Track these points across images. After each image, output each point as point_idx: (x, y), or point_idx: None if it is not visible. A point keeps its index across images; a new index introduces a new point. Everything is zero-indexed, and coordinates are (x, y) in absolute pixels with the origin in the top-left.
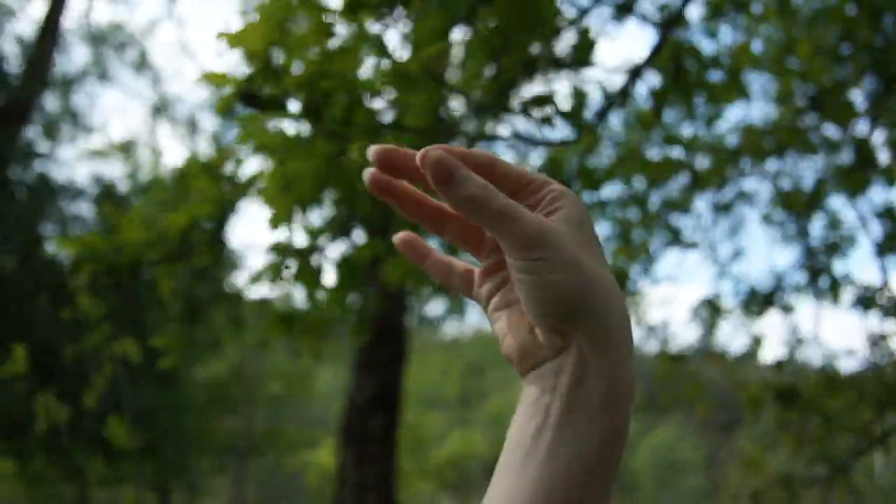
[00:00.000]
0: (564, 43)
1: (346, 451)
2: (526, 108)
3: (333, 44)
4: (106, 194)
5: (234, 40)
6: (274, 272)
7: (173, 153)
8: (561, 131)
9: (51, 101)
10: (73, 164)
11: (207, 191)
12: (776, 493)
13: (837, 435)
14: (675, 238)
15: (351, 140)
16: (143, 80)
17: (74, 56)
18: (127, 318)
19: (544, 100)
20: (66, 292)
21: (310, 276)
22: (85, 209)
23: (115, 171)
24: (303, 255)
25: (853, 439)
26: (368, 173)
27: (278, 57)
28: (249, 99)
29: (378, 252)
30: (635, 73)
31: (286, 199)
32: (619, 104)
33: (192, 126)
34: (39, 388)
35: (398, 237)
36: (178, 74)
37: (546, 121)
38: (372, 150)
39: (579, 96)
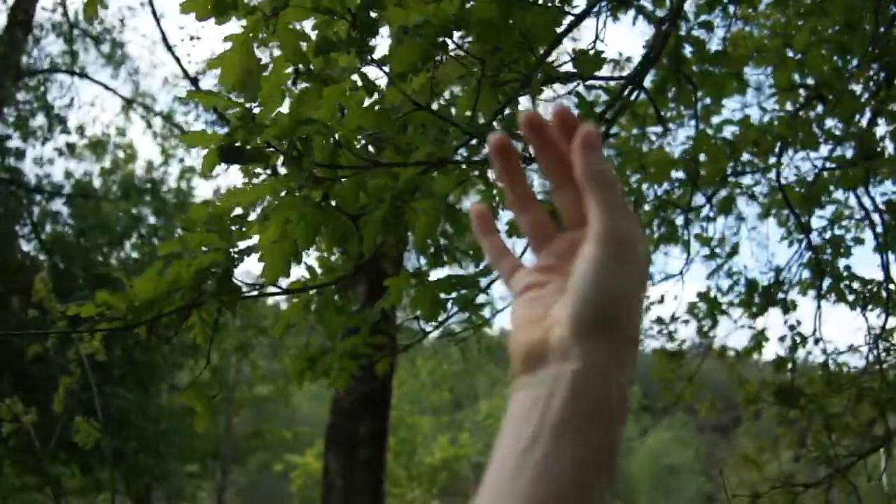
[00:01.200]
0: (564, 54)
1: (334, 456)
2: (510, 129)
3: (309, 84)
4: (81, 193)
5: (209, 98)
6: (296, 313)
7: (149, 149)
8: None
9: (23, 96)
10: (47, 160)
11: (215, 241)
12: (776, 495)
13: (838, 435)
14: (673, 235)
15: (337, 182)
16: (119, 73)
17: (47, 49)
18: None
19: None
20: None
21: (331, 314)
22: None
23: (90, 167)
24: (321, 291)
25: (854, 440)
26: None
27: (256, 109)
28: (231, 155)
29: (408, 286)
30: (636, 81)
31: (280, 252)
32: (618, 113)
33: (168, 121)
34: (8, 393)
35: (475, 207)
36: (156, 68)
37: None
38: (524, 116)
39: (585, 105)
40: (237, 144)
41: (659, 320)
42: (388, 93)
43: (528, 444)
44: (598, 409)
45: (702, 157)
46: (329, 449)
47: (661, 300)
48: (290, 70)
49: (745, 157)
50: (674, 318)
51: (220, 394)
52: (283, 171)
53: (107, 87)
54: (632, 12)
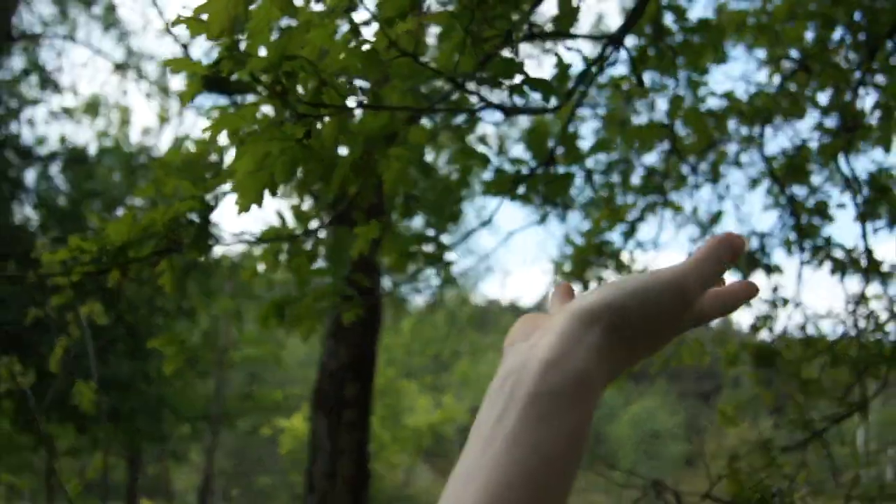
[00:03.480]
0: (546, 12)
1: (320, 418)
2: (495, 78)
3: (296, 23)
4: (75, 158)
5: (194, 25)
6: (269, 260)
7: (143, 112)
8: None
9: (16, 60)
10: (41, 124)
11: (189, 187)
12: (754, 458)
13: (815, 400)
14: (660, 203)
15: (321, 121)
16: (111, 36)
17: (39, 11)
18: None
19: (512, 68)
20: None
21: (302, 262)
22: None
23: (84, 132)
24: (294, 240)
25: (831, 405)
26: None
27: (242, 40)
28: (215, 84)
29: (376, 235)
30: (617, 40)
31: (255, 182)
32: (598, 72)
33: (162, 84)
34: (4, 353)
35: (561, 285)
36: (148, 30)
37: (516, 90)
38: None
39: (562, 66)
40: (222, 75)
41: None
42: (376, 36)
43: (499, 414)
44: (570, 382)
45: (683, 132)
46: (316, 411)
47: (647, 267)
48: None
49: (731, 126)
50: None
51: (202, 353)
52: (267, 108)
53: (98, 51)
54: None
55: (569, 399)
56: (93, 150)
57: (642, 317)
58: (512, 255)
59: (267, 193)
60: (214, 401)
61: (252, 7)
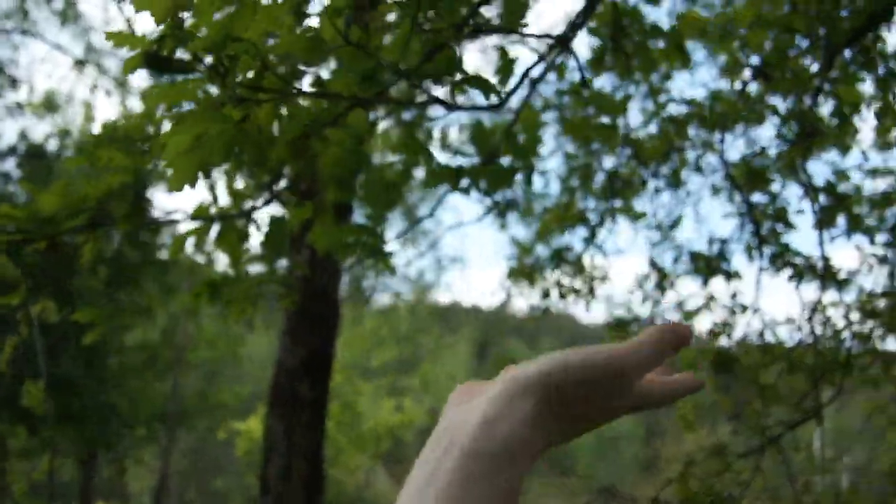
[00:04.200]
0: (496, 6)
1: (276, 418)
2: (437, 73)
3: (241, 5)
4: (34, 154)
5: (140, 2)
6: (197, 238)
7: (104, 108)
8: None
9: None
10: None
11: (122, 159)
12: (710, 464)
13: (772, 406)
14: (621, 209)
15: (260, 105)
16: (71, 31)
17: None
18: (48, 281)
19: (452, 64)
20: None
21: (233, 241)
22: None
23: (43, 128)
24: (226, 219)
25: (787, 411)
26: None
27: (186, 18)
28: (156, 61)
29: (308, 216)
30: (563, 40)
31: (189, 161)
32: (545, 71)
33: (122, 80)
34: None
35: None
36: (108, 25)
37: (457, 87)
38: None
39: (506, 62)
40: (164, 53)
41: (591, 292)
42: (321, 25)
43: (433, 470)
44: (503, 445)
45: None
46: (271, 410)
47: (605, 277)
48: None
49: (692, 132)
50: (630, 292)
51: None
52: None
53: (58, 46)
54: None
55: (501, 461)
56: (52, 146)
57: (577, 395)
58: (474, 257)
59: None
60: (171, 400)
61: None
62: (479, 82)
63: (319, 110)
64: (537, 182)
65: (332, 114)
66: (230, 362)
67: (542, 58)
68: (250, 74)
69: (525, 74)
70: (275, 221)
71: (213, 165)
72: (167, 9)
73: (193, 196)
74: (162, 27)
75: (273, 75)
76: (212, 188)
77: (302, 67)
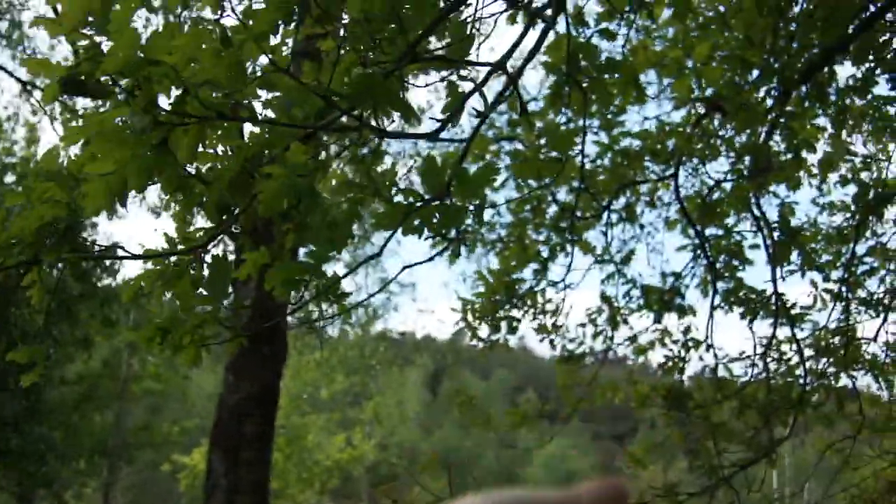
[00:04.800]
0: (444, 37)
1: (218, 455)
2: (369, 101)
3: (157, 28)
4: None
5: (51, 25)
6: (149, 282)
7: (49, 132)
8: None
9: None
10: None
11: (56, 191)
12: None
13: (724, 444)
14: (572, 241)
15: (182, 130)
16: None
17: None
18: None
19: (383, 91)
20: None
21: (184, 285)
22: None
23: None
24: (178, 263)
25: (739, 448)
26: None
27: (104, 44)
28: (74, 86)
29: (262, 261)
30: (500, 66)
31: (105, 187)
32: (498, 101)
33: (65, 104)
34: None
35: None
36: (54, 48)
37: (384, 113)
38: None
39: (454, 93)
40: (81, 77)
41: (554, 327)
42: (246, 49)
43: None
44: None
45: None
46: (213, 448)
47: (557, 310)
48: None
49: (646, 165)
50: (581, 325)
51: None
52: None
53: (2, 69)
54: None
55: None
56: None
57: None
58: (427, 289)
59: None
60: (113, 434)
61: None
62: (404, 109)
63: (259, 146)
64: (488, 213)
65: (272, 148)
66: (176, 394)
67: (478, 86)
68: (171, 98)
69: (462, 102)
70: (217, 262)
71: (131, 190)
72: (76, 23)
73: (141, 225)
74: (80, 52)
75: (195, 100)
76: (165, 233)
77: (236, 98)
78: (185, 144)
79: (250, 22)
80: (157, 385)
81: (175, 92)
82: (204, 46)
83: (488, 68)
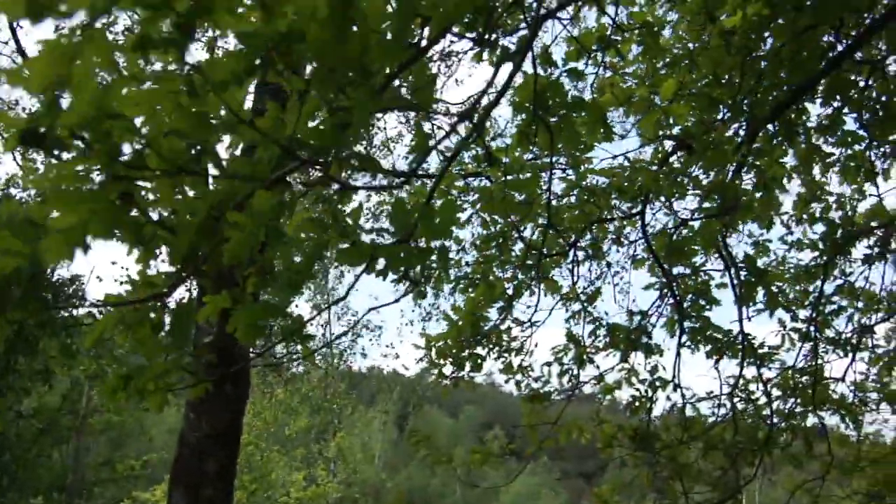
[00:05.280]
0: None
1: (178, 494)
2: (327, 150)
3: (120, 83)
4: None
5: (15, 79)
6: (109, 326)
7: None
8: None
9: None
10: None
11: (15, 243)
12: None
13: (691, 484)
14: (537, 279)
15: (143, 182)
16: None
17: None
18: None
19: (338, 140)
20: None
21: (146, 332)
22: None
23: None
24: (140, 308)
25: (707, 489)
26: None
27: (64, 96)
28: (33, 138)
29: (224, 305)
30: (467, 115)
31: (64, 240)
32: (463, 146)
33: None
34: None
35: None
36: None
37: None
38: None
39: (420, 136)
40: (40, 130)
41: (520, 367)
42: (209, 101)
43: None
44: None
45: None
46: (174, 485)
47: (522, 349)
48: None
49: (612, 203)
50: (547, 364)
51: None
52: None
53: None
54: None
55: None
56: None
57: None
58: (393, 323)
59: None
60: (73, 470)
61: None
62: (366, 162)
63: (223, 192)
64: (454, 249)
65: (236, 195)
66: (136, 429)
67: (446, 135)
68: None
69: (428, 153)
70: (180, 309)
71: (92, 242)
72: (44, 83)
73: (103, 252)
74: (39, 103)
75: (156, 153)
76: (129, 278)
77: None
78: (161, 197)
79: (214, 72)
80: (117, 417)
81: (137, 144)
82: (167, 97)
83: (456, 112)
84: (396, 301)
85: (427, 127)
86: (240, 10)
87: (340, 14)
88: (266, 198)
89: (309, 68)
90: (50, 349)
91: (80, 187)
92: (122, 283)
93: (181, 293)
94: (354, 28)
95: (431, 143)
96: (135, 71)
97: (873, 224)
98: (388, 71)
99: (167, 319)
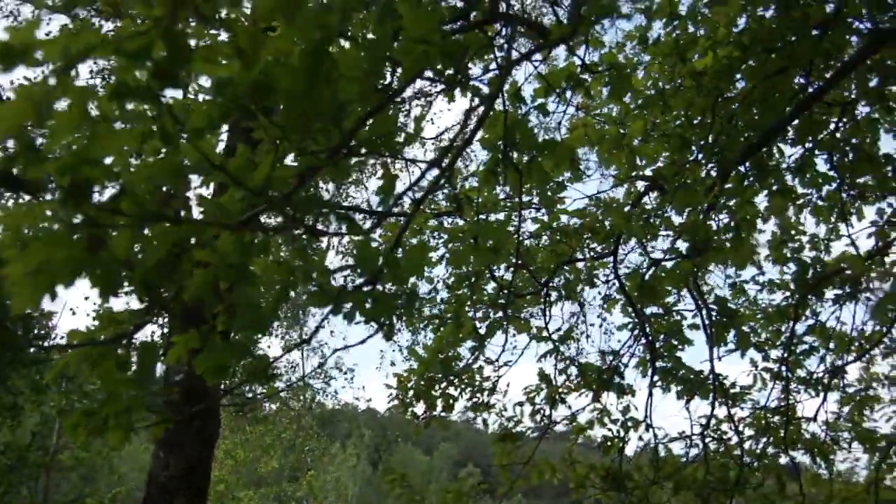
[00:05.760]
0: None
1: None
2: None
3: (97, 129)
4: None
5: None
6: (73, 363)
7: None
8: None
9: None
10: None
11: None
12: None
13: None
14: (507, 318)
15: (118, 229)
16: None
17: None
18: None
19: (309, 198)
20: None
21: (110, 370)
22: None
23: None
24: (105, 346)
25: None
26: None
27: (39, 139)
28: (7, 180)
29: (193, 344)
30: (436, 163)
31: (32, 285)
32: (431, 190)
33: None
34: None
35: None
36: None
37: (326, 215)
38: None
39: (388, 180)
40: (15, 172)
41: (489, 407)
42: (183, 148)
43: None
44: None
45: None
46: None
47: (494, 388)
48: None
49: (585, 242)
50: (519, 404)
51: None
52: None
53: None
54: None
55: None
56: None
57: None
58: (373, 361)
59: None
60: None
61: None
62: (342, 216)
63: (186, 231)
64: (424, 288)
65: (201, 234)
66: (107, 466)
67: (414, 182)
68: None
69: (396, 200)
70: (145, 348)
71: (58, 286)
72: (15, 126)
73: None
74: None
75: (130, 199)
76: (95, 314)
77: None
78: (121, 244)
79: (190, 118)
80: (85, 454)
81: (110, 188)
82: (141, 141)
83: (427, 153)
84: (362, 342)
85: (399, 165)
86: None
87: (313, 66)
88: (231, 239)
89: (281, 114)
90: (19, 385)
91: (51, 228)
92: (94, 317)
93: (150, 330)
94: (328, 77)
95: (400, 184)
96: (109, 114)
97: (843, 265)
98: (359, 114)
99: (133, 356)
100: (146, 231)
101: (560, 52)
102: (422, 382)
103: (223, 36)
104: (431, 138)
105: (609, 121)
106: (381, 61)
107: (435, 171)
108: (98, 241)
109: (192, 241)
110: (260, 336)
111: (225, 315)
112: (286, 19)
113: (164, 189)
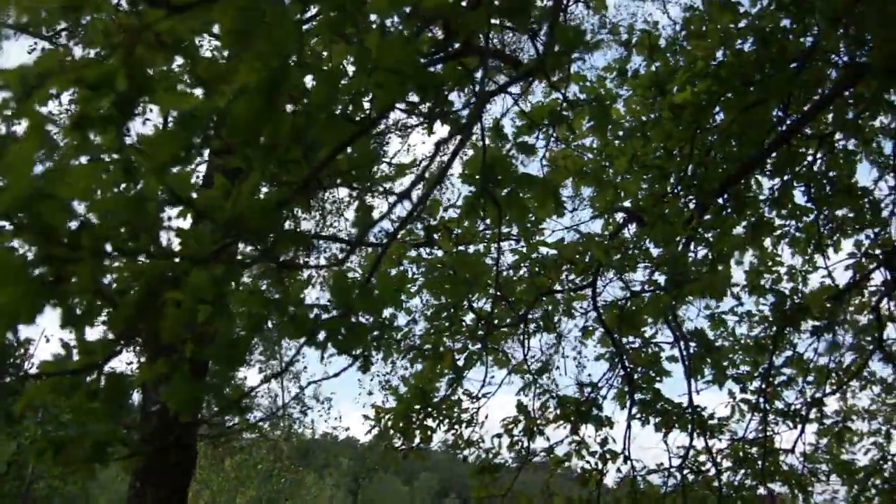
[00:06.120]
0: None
1: None
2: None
3: (57, 162)
4: None
5: None
6: (42, 393)
7: None
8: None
9: None
10: None
11: None
12: None
13: None
14: (484, 349)
15: (75, 263)
16: None
17: None
18: None
19: (271, 220)
20: None
21: (81, 400)
22: None
23: None
24: (76, 377)
25: None
26: None
27: None
28: None
29: (161, 370)
30: (405, 195)
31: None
32: (407, 222)
33: None
34: None
35: None
36: None
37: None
38: None
39: (364, 210)
40: None
41: (468, 441)
42: (146, 182)
43: None
44: None
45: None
46: None
47: (472, 420)
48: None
49: (563, 274)
50: (497, 436)
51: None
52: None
53: None
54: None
55: None
56: None
57: None
58: (343, 389)
59: None
60: None
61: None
62: (295, 239)
63: (162, 267)
64: (402, 319)
65: (174, 272)
66: (83, 497)
67: (384, 214)
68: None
69: (367, 229)
70: (114, 380)
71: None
72: None
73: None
74: None
75: (88, 234)
76: (66, 344)
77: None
78: (82, 279)
79: (153, 152)
80: (61, 484)
81: (71, 225)
82: (103, 177)
83: (401, 184)
84: (336, 375)
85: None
86: (179, 87)
87: (266, 92)
88: (202, 274)
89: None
90: None
91: (10, 264)
92: (62, 345)
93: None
94: (287, 105)
95: (375, 214)
96: (71, 147)
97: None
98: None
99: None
100: (116, 264)
101: (538, 86)
102: (400, 424)
103: (181, 62)
104: (408, 165)
105: (590, 153)
106: (346, 89)
107: (408, 204)
108: (61, 279)
109: (168, 275)
110: (233, 372)
111: (194, 343)
112: (242, 46)
113: (131, 222)
